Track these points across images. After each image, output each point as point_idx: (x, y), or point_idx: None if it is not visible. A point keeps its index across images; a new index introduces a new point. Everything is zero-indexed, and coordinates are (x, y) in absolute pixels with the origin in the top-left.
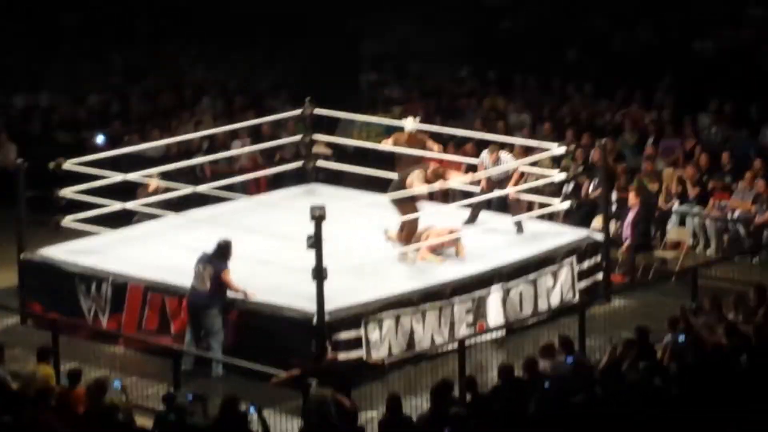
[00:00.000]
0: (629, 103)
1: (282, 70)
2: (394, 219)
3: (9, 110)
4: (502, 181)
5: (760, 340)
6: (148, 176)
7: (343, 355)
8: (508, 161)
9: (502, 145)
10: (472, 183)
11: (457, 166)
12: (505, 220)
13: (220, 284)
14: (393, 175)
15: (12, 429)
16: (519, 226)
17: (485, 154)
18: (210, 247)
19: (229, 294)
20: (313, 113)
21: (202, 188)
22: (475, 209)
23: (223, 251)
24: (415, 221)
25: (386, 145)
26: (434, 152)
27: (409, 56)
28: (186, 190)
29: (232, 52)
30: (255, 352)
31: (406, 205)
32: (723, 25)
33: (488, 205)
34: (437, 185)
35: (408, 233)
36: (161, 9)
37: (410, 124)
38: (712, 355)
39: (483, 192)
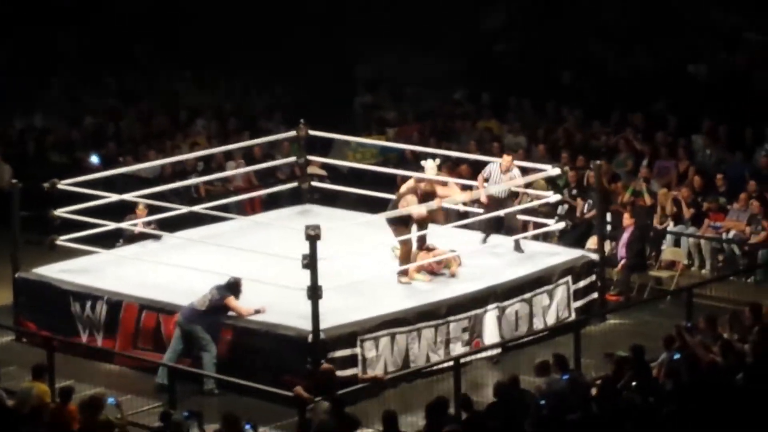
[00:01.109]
0: (623, 125)
1: (276, 93)
2: (390, 239)
3: (6, 132)
4: (505, 200)
5: (756, 359)
6: (137, 204)
7: (338, 373)
8: (517, 176)
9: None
10: (472, 202)
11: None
12: (501, 240)
13: (217, 309)
14: (387, 196)
15: None
16: (518, 246)
17: (494, 166)
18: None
19: (227, 321)
20: (308, 135)
21: (197, 208)
22: (487, 227)
23: (231, 286)
24: (408, 243)
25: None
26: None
27: (404, 79)
28: (181, 210)
29: (226, 75)
30: (250, 370)
31: (400, 227)
32: (718, 49)
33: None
34: (434, 203)
35: (402, 254)
36: (155, 33)
37: (431, 167)
38: (707, 374)
39: (487, 208)
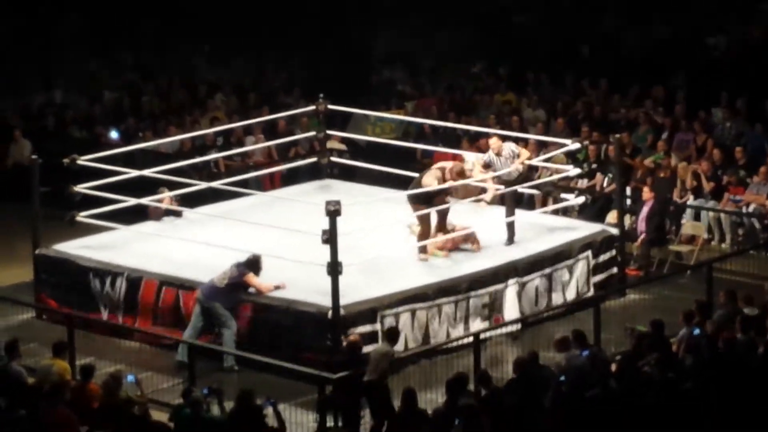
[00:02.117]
0: (643, 98)
1: (295, 67)
2: (410, 215)
3: (27, 107)
4: (517, 179)
5: None
6: (161, 195)
7: None
8: (516, 150)
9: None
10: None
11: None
12: (522, 216)
13: (236, 286)
14: (406, 171)
15: (28, 423)
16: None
17: (490, 154)
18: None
19: (247, 297)
20: (327, 109)
21: (217, 184)
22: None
23: (251, 263)
24: (427, 220)
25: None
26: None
27: (422, 53)
28: (200, 185)
29: (244, 49)
30: (270, 346)
31: (420, 204)
32: (735, 20)
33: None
34: (456, 182)
35: (421, 232)
36: (170, 5)
37: (472, 162)
38: (727, 349)
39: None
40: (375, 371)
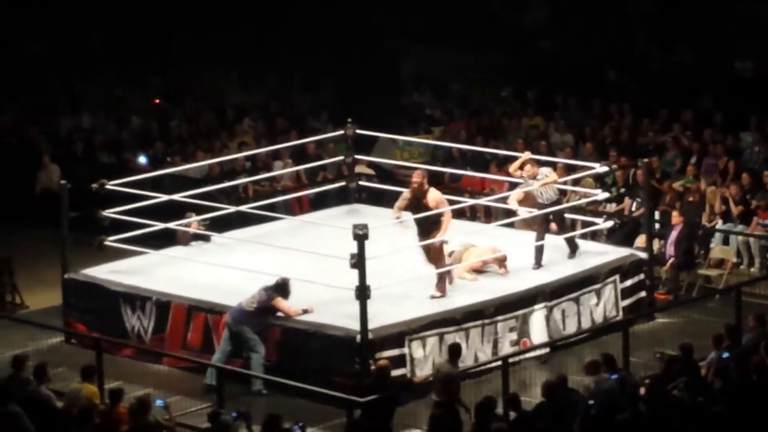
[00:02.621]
0: (671, 123)
1: (323, 92)
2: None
3: (55, 132)
4: (552, 203)
5: None
6: (188, 219)
7: None
8: (549, 174)
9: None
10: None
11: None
12: (551, 239)
13: (265, 310)
14: None
15: None
16: (573, 244)
17: (526, 179)
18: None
19: (275, 321)
20: (355, 134)
21: (245, 208)
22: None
23: (279, 287)
24: (438, 244)
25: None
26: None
27: (450, 77)
28: (229, 210)
29: (271, 74)
30: (298, 371)
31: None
32: (763, 43)
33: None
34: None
35: (433, 256)
36: (195, 31)
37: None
38: (756, 373)
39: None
40: (443, 392)
